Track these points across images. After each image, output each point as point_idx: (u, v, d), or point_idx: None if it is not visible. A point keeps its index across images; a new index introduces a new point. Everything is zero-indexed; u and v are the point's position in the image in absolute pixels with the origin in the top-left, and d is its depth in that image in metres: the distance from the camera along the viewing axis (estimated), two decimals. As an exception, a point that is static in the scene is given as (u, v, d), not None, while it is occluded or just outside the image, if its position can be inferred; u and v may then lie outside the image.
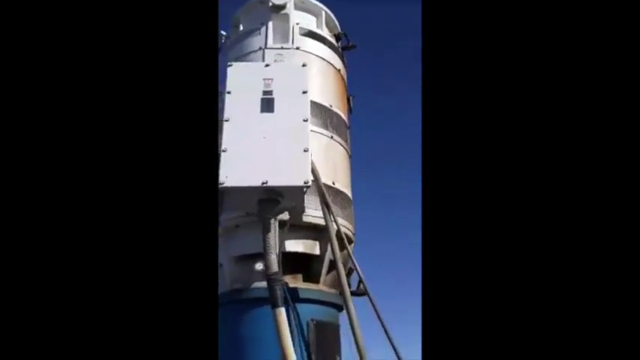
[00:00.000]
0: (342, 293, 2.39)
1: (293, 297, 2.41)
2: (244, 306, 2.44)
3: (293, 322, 2.38)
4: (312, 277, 2.54)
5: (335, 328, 2.47)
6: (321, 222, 2.49)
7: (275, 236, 2.19)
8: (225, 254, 2.58)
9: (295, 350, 2.30)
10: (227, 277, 2.56)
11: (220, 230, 2.59)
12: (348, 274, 2.60)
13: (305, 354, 2.34)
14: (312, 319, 2.40)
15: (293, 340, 2.31)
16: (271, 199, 2.18)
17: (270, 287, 2.09)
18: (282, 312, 2.03)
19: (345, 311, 2.36)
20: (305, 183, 2.09)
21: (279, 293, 2.07)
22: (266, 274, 2.11)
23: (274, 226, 2.21)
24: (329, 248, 2.44)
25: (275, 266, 2.11)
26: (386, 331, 2.44)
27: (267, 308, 2.38)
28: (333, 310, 2.53)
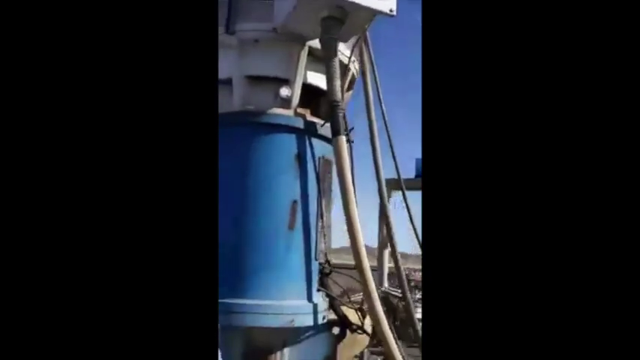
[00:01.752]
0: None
1: (309, 130, 2.32)
2: (259, 131, 2.24)
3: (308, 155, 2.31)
4: (319, 114, 2.44)
5: (331, 164, 2.48)
6: (345, 60, 2.37)
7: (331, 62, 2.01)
8: (238, 70, 2.25)
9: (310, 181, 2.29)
10: (237, 96, 2.26)
11: (234, 42, 2.22)
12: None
13: (317, 187, 2.34)
14: (322, 156, 2.37)
15: (309, 174, 2.28)
16: (337, 19, 1.97)
17: (335, 115, 1.98)
18: (343, 140, 1.97)
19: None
20: (390, 11, 1.94)
21: (342, 121, 1.98)
22: (330, 102, 1.97)
23: (335, 48, 2.02)
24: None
25: (339, 94, 1.98)
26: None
27: (286, 136, 2.26)
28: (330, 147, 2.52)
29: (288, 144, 2.30)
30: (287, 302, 2.17)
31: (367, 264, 1.97)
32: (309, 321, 2.21)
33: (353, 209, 1.96)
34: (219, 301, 1.86)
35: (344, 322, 2.41)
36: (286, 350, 2.30)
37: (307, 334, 2.33)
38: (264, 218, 2.21)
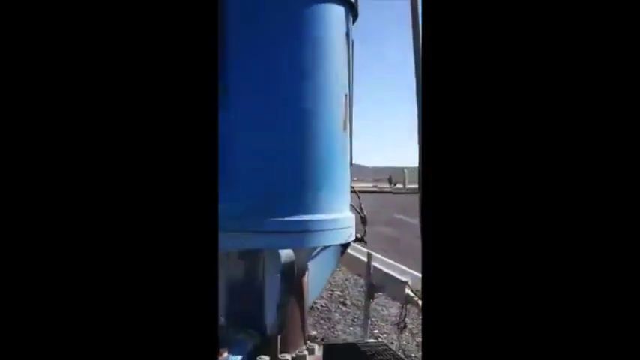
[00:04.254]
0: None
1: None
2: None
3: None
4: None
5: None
6: None
7: None
8: None
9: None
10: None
11: None
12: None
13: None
14: (353, 40, 1.98)
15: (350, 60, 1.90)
16: None
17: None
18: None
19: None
20: None
21: None
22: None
23: None
24: None
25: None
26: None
27: (336, 6, 1.80)
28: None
29: (339, 17, 1.81)
30: (344, 215, 1.83)
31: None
32: (353, 235, 1.93)
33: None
34: (284, 219, 1.59)
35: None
36: (310, 266, 1.98)
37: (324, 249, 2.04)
38: (325, 117, 1.73)
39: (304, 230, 1.66)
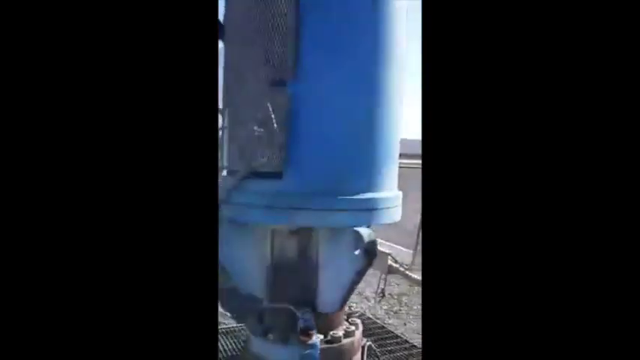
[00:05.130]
0: None
1: None
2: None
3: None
4: None
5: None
6: None
7: None
8: None
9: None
10: None
11: None
12: None
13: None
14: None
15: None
16: None
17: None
18: None
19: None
20: None
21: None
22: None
23: None
24: None
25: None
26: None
27: None
28: None
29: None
30: (397, 192, 1.82)
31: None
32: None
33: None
34: (355, 197, 1.58)
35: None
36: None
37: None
38: (391, 92, 1.68)
39: (374, 208, 1.63)
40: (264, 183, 1.59)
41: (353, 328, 1.84)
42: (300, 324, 1.63)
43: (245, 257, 1.85)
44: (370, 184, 1.64)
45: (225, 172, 1.80)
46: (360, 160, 1.62)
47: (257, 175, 1.60)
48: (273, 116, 1.50)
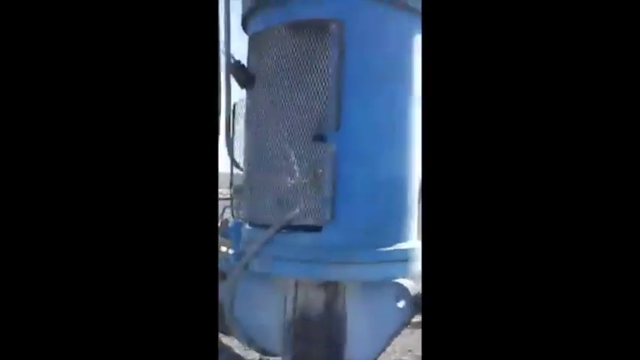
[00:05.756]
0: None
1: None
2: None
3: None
4: None
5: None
6: None
7: None
8: None
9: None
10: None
11: None
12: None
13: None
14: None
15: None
16: None
17: None
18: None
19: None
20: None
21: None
22: None
23: None
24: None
25: None
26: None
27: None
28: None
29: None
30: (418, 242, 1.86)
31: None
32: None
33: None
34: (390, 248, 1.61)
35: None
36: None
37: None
38: (412, 146, 1.74)
39: (408, 259, 1.65)
40: (303, 236, 1.55)
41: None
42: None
43: (265, 311, 1.77)
44: (402, 235, 1.66)
45: (247, 225, 1.73)
46: (395, 212, 1.65)
47: (294, 228, 1.57)
48: (321, 169, 1.49)
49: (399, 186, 1.65)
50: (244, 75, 1.69)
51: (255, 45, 1.75)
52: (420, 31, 1.72)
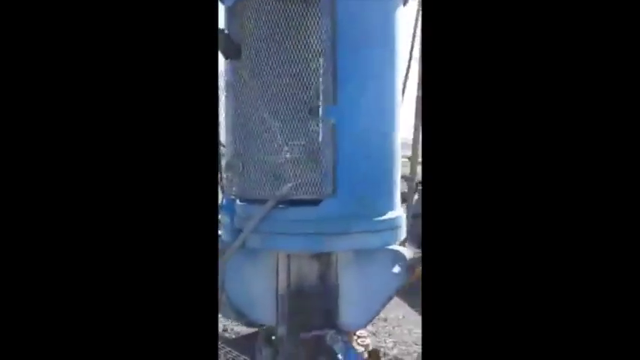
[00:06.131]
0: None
1: None
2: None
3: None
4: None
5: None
6: None
7: None
8: None
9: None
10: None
11: None
12: None
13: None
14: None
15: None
16: None
17: None
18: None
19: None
20: None
21: None
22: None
23: None
24: None
25: None
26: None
27: None
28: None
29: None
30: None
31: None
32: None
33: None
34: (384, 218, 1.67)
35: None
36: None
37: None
38: (398, 116, 1.78)
39: (398, 226, 1.72)
40: (302, 210, 1.56)
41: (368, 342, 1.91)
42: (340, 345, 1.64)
43: (257, 284, 1.78)
44: (392, 204, 1.72)
45: (238, 201, 1.70)
46: (385, 182, 1.69)
47: (290, 202, 1.57)
48: (320, 141, 1.49)
49: (389, 156, 1.69)
50: (230, 45, 1.62)
51: (235, 14, 1.67)
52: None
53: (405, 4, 1.81)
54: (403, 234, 1.77)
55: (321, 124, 1.53)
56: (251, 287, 1.78)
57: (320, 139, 1.53)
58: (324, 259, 1.75)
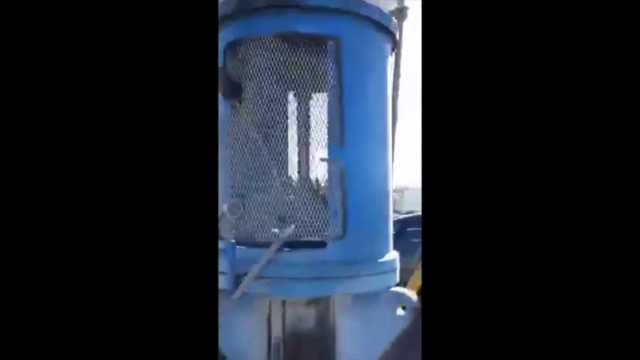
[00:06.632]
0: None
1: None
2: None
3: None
4: None
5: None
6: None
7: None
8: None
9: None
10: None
11: None
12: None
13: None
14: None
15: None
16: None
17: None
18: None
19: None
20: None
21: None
22: None
23: None
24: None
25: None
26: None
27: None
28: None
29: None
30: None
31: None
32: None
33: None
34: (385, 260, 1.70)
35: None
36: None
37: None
38: (389, 158, 1.82)
39: (396, 268, 1.72)
40: (307, 253, 1.52)
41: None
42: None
43: (244, 334, 1.68)
44: (389, 246, 1.73)
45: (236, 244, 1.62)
46: (383, 224, 1.70)
47: (294, 245, 1.52)
48: (332, 183, 1.48)
49: (386, 197, 1.71)
50: (231, 84, 1.59)
51: (234, 53, 1.65)
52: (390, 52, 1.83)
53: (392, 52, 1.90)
54: (397, 276, 1.78)
55: (328, 166, 1.53)
56: (239, 339, 1.69)
57: (329, 181, 1.52)
58: (321, 303, 1.70)
